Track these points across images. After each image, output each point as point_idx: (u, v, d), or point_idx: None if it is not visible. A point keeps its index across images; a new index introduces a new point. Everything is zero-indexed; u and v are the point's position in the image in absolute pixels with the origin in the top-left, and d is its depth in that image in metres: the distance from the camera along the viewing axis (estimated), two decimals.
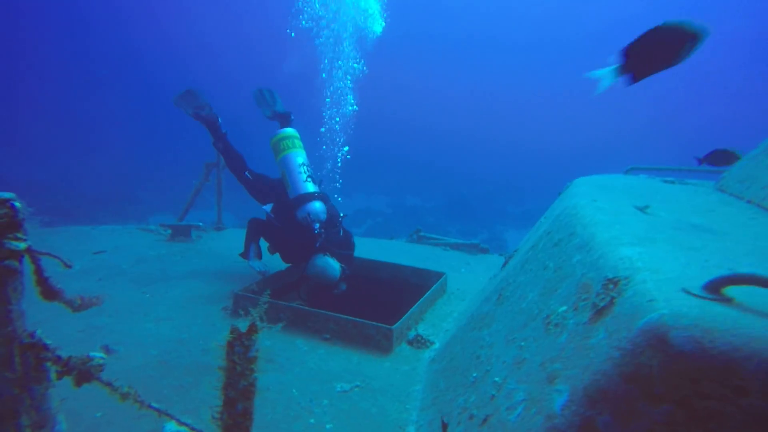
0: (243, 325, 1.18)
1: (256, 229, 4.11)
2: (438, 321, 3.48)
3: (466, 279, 4.54)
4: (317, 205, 3.91)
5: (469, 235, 20.12)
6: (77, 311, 1.60)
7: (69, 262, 1.52)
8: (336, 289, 3.86)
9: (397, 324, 3.05)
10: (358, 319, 3.04)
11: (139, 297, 3.64)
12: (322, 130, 5.69)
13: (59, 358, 1.35)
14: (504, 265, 3.25)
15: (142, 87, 39.72)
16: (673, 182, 3.68)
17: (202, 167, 5.92)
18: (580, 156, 40.99)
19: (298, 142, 4.16)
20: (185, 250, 5.02)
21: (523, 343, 1.73)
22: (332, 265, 3.76)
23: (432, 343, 3.09)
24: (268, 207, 4.19)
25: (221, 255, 4.93)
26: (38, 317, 3.25)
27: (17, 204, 1.34)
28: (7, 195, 1.31)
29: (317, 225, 3.85)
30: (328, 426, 2.25)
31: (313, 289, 3.99)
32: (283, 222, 4.08)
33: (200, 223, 5.58)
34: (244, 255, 4.04)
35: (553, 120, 49.43)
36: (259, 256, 4.06)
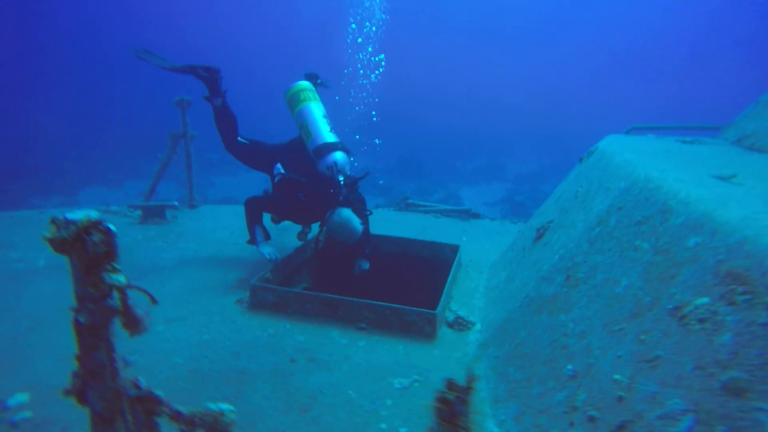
0: (455, 375, 0.94)
1: (256, 210, 3.73)
2: (466, 298, 3.34)
3: (472, 248, 4.41)
4: (341, 156, 3.66)
5: (425, 194, 20.18)
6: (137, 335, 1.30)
7: (155, 298, 1.22)
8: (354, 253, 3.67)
9: (438, 308, 2.88)
10: (397, 305, 2.84)
11: (134, 294, 3.22)
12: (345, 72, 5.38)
13: (179, 414, 1.07)
14: (538, 239, 3.13)
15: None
16: (692, 142, 3.66)
17: (137, 134, 5.44)
18: (526, 113, 41.79)
19: (317, 96, 3.91)
20: (165, 234, 4.55)
21: (644, 337, 1.59)
22: (356, 218, 3.56)
23: (473, 323, 2.95)
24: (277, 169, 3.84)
25: (207, 237, 4.51)
26: (29, 323, 2.82)
27: (113, 227, 1.02)
28: (93, 214, 0.98)
29: (341, 177, 3.60)
30: (402, 430, 2.07)
31: (329, 246, 3.85)
32: (297, 180, 3.72)
33: (175, 202, 5.08)
34: (252, 241, 3.68)
35: (497, 76, 49.89)
36: (267, 237, 3.72)
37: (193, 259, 3.91)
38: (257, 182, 23.55)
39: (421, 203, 6.04)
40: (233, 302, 3.12)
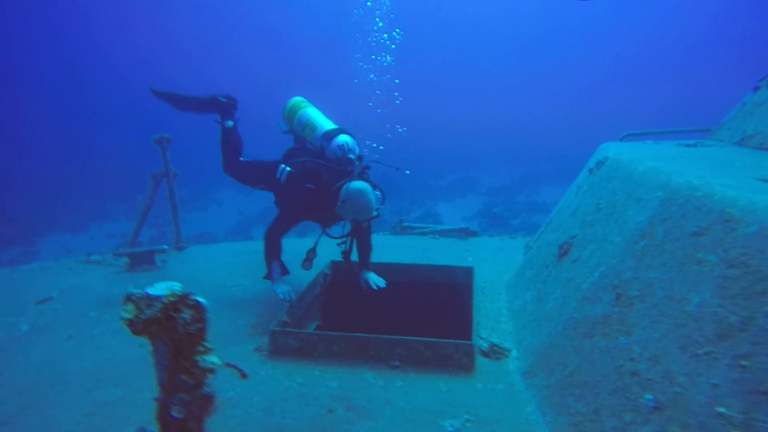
0: None
1: (275, 240, 3.57)
2: (493, 323, 3.20)
3: (481, 268, 4.28)
4: (347, 137, 3.65)
5: (403, 213, 20.12)
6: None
7: (246, 373, 1.04)
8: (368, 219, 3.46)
9: (473, 337, 2.73)
10: (431, 339, 2.67)
11: (141, 352, 2.94)
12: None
13: None
14: (562, 255, 3.04)
15: None
16: (696, 145, 3.68)
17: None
18: (492, 127, 42.73)
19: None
20: (156, 281, 4.23)
21: (746, 363, 1.47)
22: (371, 189, 3.37)
23: (508, 350, 2.81)
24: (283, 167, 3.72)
25: (204, 281, 4.24)
26: (21, 401, 2.51)
27: (203, 300, 0.86)
28: (176, 286, 0.82)
29: (353, 156, 3.57)
30: None
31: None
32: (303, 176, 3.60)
33: (164, 246, 4.79)
34: (268, 276, 3.50)
35: (462, 92, 51.04)
36: (285, 272, 3.57)
37: None
38: (229, 216, 23.09)
39: (417, 225, 5.92)
40: (251, 351, 2.89)
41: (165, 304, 0.80)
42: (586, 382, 2.11)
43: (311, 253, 3.76)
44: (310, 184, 3.45)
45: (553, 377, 2.33)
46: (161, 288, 0.86)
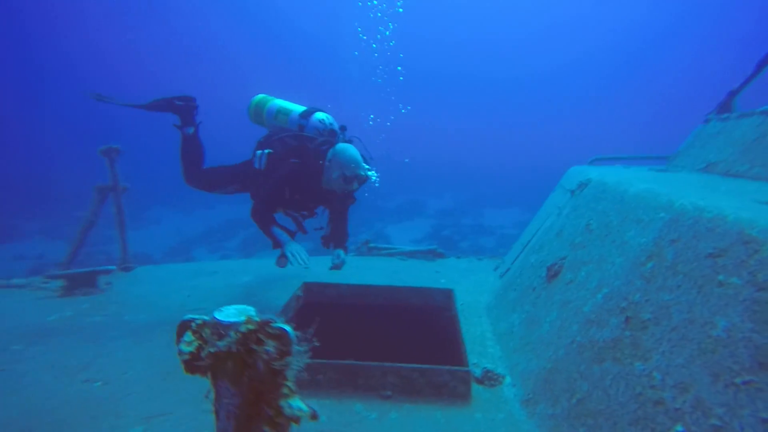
0: None
1: (265, 213, 3.39)
2: (479, 347, 3.07)
3: (455, 290, 4.18)
4: (324, 114, 3.67)
5: (352, 235, 19.89)
6: None
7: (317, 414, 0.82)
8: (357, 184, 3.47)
9: (469, 364, 2.57)
10: (425, 366, 2.49)
11: (86, 391, 2.53)
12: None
13: None
14: (552, 277, 2.97)
15: None
16: (665, 170, 3.78)
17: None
18: (438, 151, 43.71)
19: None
20: (102, 306, 3.78)
21: None
22: (355, 149, 3.41)
23: (502, 376, 2.67)
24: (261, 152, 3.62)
25: (159, 305, 3.82)
26: None
27: (288, 328, 0.65)
28: (251, 310, 0.61)
29: (335, 127, 3.61)
30: None
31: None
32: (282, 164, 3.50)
33: (112, 266, 4.31)
34: (276, 245, 3.37)
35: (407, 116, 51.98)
36: (292, 235, 3.46)
37: (149, 334, 3.24)
38: (167, 236, 21.83)
39: (384, 246, 5.76)
40: None
41: (243, 333, 0.60)
42: (599, 410, 2.00)
43: (283, 258, 3.56)
44: (295, 159, 3.38)
45: (559, 405, 2.21)
46: (232, 312, 0.65)
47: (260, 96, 3.94)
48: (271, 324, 0.68)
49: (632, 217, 2.54)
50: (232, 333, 0.63)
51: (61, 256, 4.84)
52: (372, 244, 5.72)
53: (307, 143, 3.44)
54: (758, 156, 3.26)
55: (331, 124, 3.65)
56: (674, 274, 2.03)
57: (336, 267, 3.58)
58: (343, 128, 3.66)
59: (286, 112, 3.72)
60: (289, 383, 0.70)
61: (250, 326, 0.64)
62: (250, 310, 0.70)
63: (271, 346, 0.64)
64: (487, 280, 4.55)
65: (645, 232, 2.35)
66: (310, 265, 3.25)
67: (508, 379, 2.66)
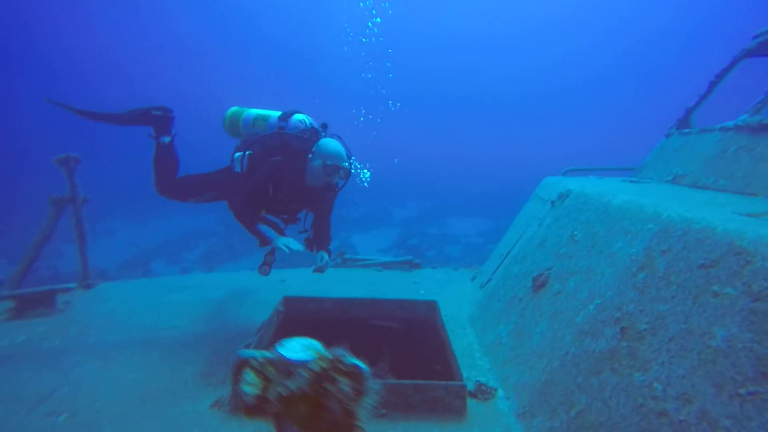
0: None
1: (247, 206, 3.28)
2: (468, 360, 3.04)
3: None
4: (303, 115, 3.67)
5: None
6: None
7: None
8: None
9: (464, 378, 2.54)
10: (421, 382, 2.44)
11: (50, 425, 2.32)
12: None
13: None
14: (539, 287, 2.99)
15: None
16: (638, 182, 3.90)
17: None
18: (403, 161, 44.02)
19: None
20: (61, 328, 3.50)
21: None
22: (338, 143, 3.43)
23: (494, 389, 2.65)
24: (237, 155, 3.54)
25: (127, 324, 3.60)
26: None
27: (364, 366, 0.59)
28: (317, 345, 0.55)
29: (316, 126, 3.63)
30: None
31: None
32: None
33: (71, 284, 4.03)
34: (264, 242, 3.25)
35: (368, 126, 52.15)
36: (280, 231, 3.39)
37: (119, 356, 3.04)
38: (122, 248, 20.85)
39: (359, 257, 5.69)
40: (207, 408, 2.43)
41: (315, 372, 0.53)
42: (601, 423, 2.00)
43: (269, 257, 3.55)
44: (276, 156, 3.35)
45: (557, 418, 2.21)
46: (297, 348, 0.58)
47: (234, 108, 3.86)
48: (344, 360, 0.61)
49: (619, 228, 2.58)
50: (302, 371, 0.57)
51: (2, 273, 4.52)
52: (347, 256, 5.63)
53: (289, 141, 3.41)
54: (721, 170, 3.41)
55: (311, 123, 3.65)
56: (668, 285, 2.06)
57: (319, 270, 3.50)
58: (324, 126, 3.68)
59: (263, 118, 3.65)
60: (361, 424, 0.63)
61: (323, 364, 0.58)
62: (316, 345, 0.63)
63: (345, 384, 0.58)
64: (466, 290, 4.56)
65: (634, 243, 2.39)
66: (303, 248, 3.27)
67: (500, 392, 2.65)
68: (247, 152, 3.41)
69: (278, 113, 3.68)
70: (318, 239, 3.65)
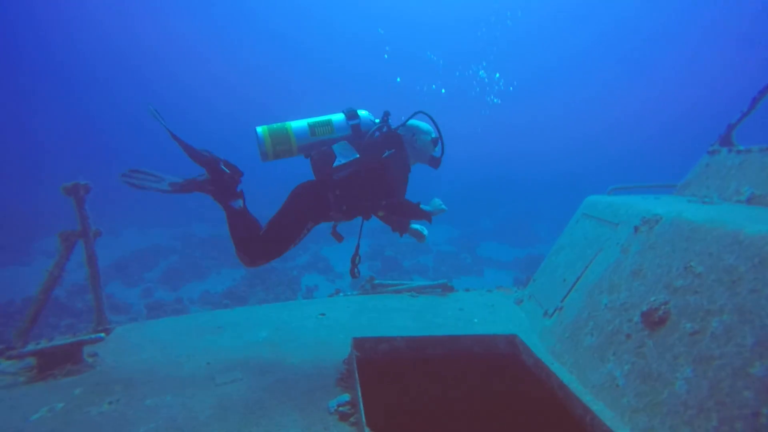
0: None
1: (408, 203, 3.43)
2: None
3: (496, 331, 3.88)
4: (365, 110, 3.50)
5: (288, 260, 19.03)
6: None
7: None
8: None
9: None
10: None
11: None
12: None
13: None
14: (657, 324, 2.77)
15: None
16: (710, 202, 3.80)
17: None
18: None
19: None
20: (99, 390, 2.89)
21: None
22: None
23: None
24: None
25: (178, 377, 3.07)
26: None
27: None
28: None
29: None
30: None
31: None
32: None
33: (101, 335, 3.43)
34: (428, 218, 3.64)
35: None
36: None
37: (191, 424, 2.53)
38: (66, 269, 19.21)
39: (389, 282, 5.33)
40: None
41: None
42: None
43: (356, 258, 3.63)
44: (390, 150, 3.25)
45: None
46: None
47: (268, 126, 3.36)
48: None
49: (672, 251, 2.40)
50: None
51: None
52: (377, 281, 5.26)
53: (395, 131, 3.39)
54: None
55: (376, 117, 3.55)
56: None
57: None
58: (387, 114, 3.56)
59: (325, 123, 3.29)
60: None
61: None
62: None
63: None
64: (518, 316, 4.32)
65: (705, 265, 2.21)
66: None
67: None
68: (355, 155, 3.19)
69: (340, 115, 3.37)
70: (401, 224, 3.77)
